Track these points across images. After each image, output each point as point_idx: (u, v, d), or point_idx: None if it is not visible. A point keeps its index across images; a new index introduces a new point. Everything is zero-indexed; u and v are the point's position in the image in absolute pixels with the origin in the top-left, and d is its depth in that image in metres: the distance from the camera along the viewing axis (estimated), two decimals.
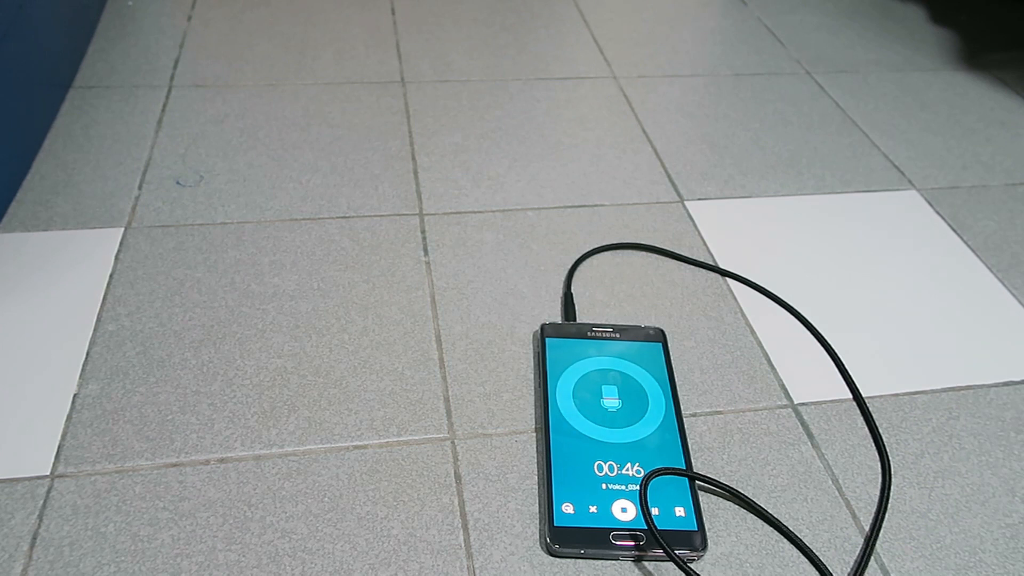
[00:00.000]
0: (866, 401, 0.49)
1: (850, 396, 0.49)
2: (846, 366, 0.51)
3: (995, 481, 0.45)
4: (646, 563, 0.40)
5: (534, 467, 0.44)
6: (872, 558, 0.41)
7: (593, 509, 0.41)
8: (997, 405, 0.49)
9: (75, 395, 0.45)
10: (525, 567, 0.39)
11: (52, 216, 0.57)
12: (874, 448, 0.46)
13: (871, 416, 0.48)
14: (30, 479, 0.41)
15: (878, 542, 0.42)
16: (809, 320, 0.54)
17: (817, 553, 0.41)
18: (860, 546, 0.41)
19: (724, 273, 0.57)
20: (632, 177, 0.65)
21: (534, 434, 0.45)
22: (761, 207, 0.63)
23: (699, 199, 0.63)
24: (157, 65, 0.73)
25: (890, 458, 0.45)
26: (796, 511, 0.43)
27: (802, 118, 0.74)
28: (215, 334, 0.49)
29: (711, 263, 0.57)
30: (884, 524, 0.42)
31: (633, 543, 0.40)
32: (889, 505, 0.43)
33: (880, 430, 0.47)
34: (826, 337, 0.53)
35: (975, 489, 0.45)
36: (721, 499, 0.43)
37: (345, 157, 0.64)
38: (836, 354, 0.51)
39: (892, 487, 0.44)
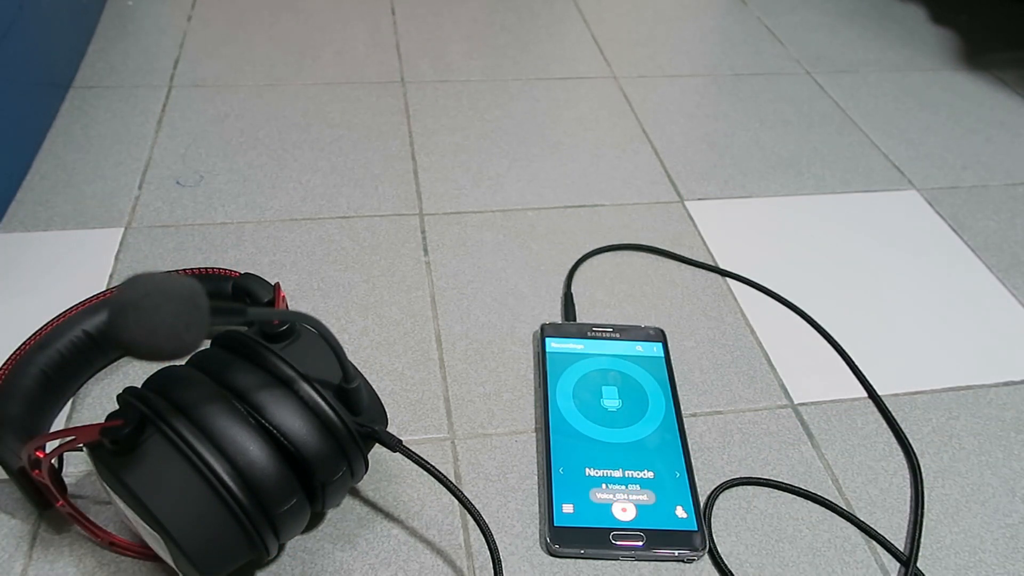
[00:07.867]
0: (867, 400, 0.49)
1: (850, 396, 0.49)
2: (845, 365, 0.51)
3: (995, 481, 0.45)
4: (646, 563, 0.40)
5: (534, 467, 0.44)
6: (872, 558, 0.41)
7: (593, 509, 0.41)
8: (997, 405, 0.49)
9: (75, 396, 0.45)
10: (525, 567, 0.39)
11: (52, 216, 0.57)
12: (874, 448, 0.46)
13: (891, 414, 0.48)
14: None
15: (877, 541, 0.42)
16: (810, 319, 0.54)
17: (818, 553, 0.41)
18: (861, 545, 0.41)
19: (724, 273, 0.57)
20: (632, 177, 0.65)
21: (534, 434, 0.45)
22: (761, 207, 0.63)
23: (699, 199, 0.63)
24: (157, 65, 0.73)
25: (919, 459, 0.45)
26: (796, 511, 0.43)
27: (802, 118, 0.74)
28: None
29: (711, 263, 0.57)
30: (884, 524, 0.42)
31: (633, 543, 0.40)
32: (891, 506, 0.43)
33: (904, 430, 0.47)
34: (825, 337, 0.53)
35: (975, 489, 0.45)
36: (720, 498, 0.43)
37: (345, 157, 0.64)
38: (836, 354, 0.51)
39: (924, 488, 0.44)
